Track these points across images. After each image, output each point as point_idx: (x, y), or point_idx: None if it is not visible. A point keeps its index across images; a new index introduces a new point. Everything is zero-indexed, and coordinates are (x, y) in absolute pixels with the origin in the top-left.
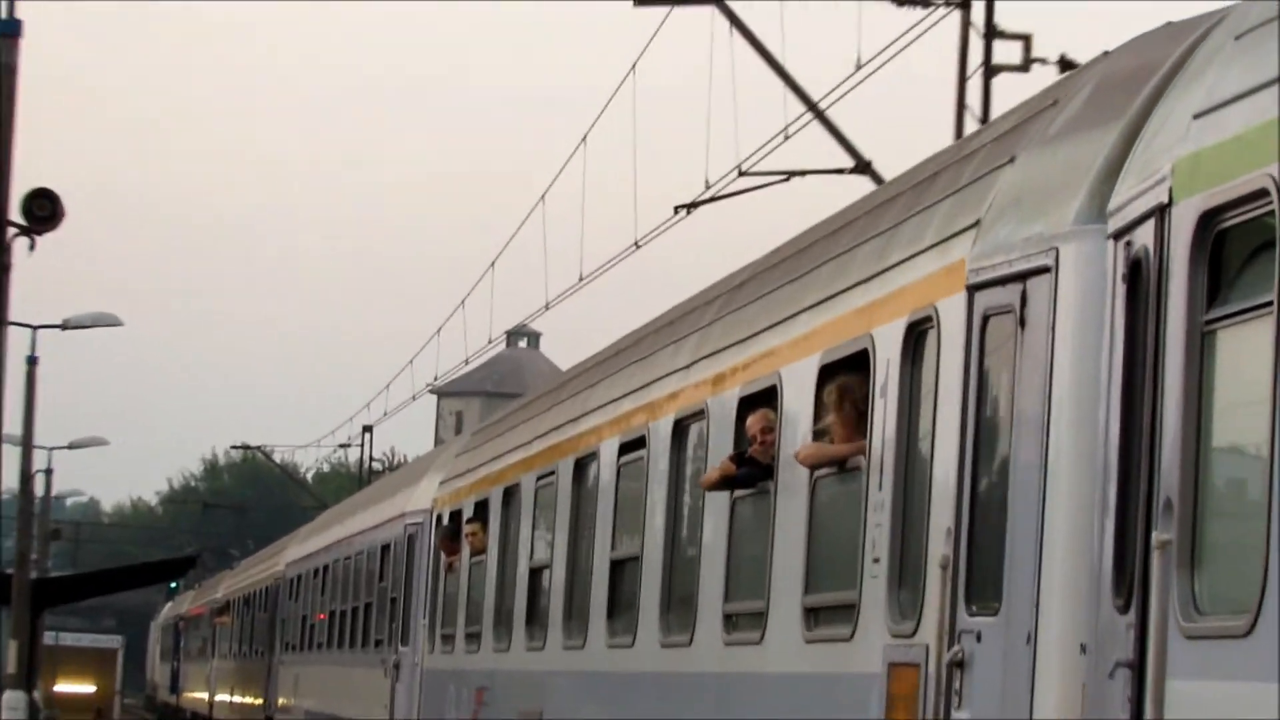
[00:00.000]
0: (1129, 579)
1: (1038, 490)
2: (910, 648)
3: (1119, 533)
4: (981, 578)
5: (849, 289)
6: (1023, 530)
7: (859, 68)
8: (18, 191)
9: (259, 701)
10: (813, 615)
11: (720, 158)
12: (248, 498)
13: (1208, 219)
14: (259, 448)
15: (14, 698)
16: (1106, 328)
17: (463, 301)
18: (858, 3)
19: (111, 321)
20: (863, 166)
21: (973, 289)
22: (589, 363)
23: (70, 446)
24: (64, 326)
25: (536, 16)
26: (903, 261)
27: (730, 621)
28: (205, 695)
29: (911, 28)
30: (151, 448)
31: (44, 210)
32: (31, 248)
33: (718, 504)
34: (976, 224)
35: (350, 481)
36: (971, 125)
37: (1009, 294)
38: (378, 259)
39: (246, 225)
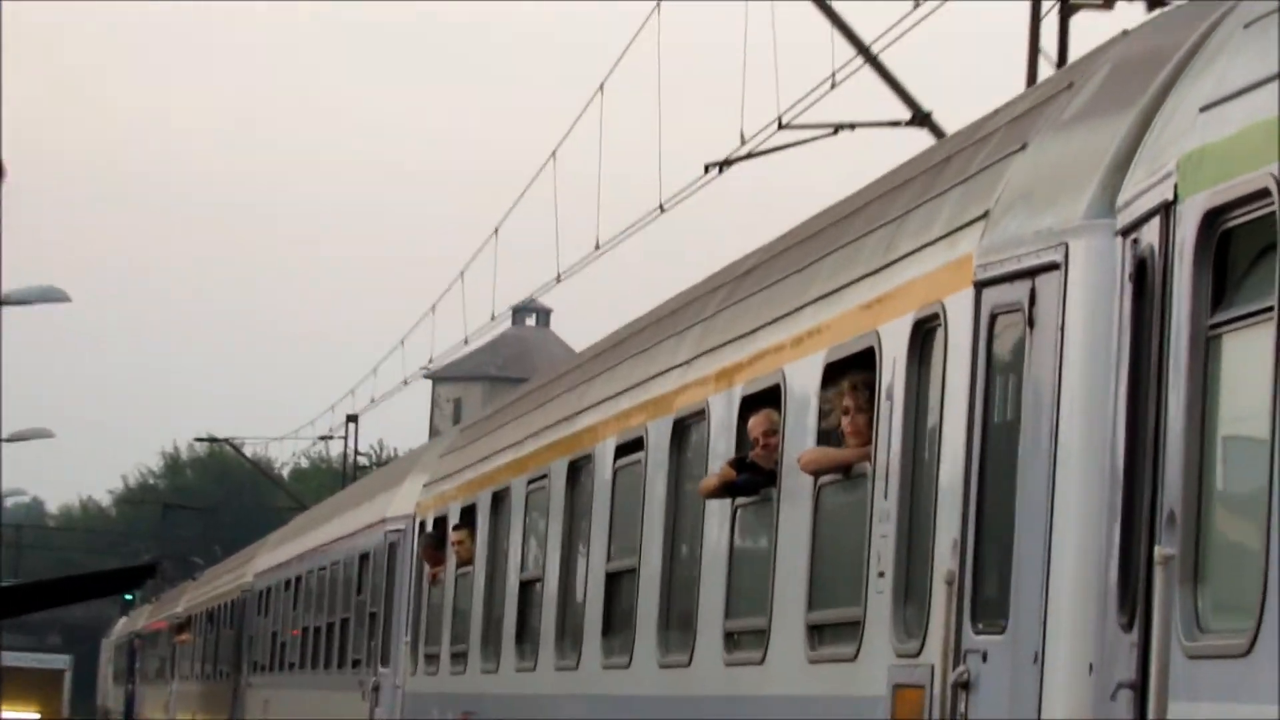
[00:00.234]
0: (1133, 595)
1: (1045, 502)
2: (915, 668)
3: (1124, 547)
4: (988, 594)
5: (855, 282)
6: (1030, 544)
7: (917, 5)
8: None
9: None
10: (816, 633)
11: (758, 109)
12: (214, 497)
13: (1212, 218)
14: (227, 440)
15: None
16: (1115, 332)
17: (461, 273)
18: None
19: (58, 297)
20: (921, 118)
21: (980, 285)
22: (596, 349)
23: (10, 439)
24: (4, 302)
25: None
26: (910, 254)
27: (731, 640)
28: None
29: None
30: (104, 441)
31: None
32: None
33: (718, 513)
34: (985, 215)
35: (332, 479)
36: (1046, 70)
37: (1017, 291)
38: (363, 224)
39: (211, 189)
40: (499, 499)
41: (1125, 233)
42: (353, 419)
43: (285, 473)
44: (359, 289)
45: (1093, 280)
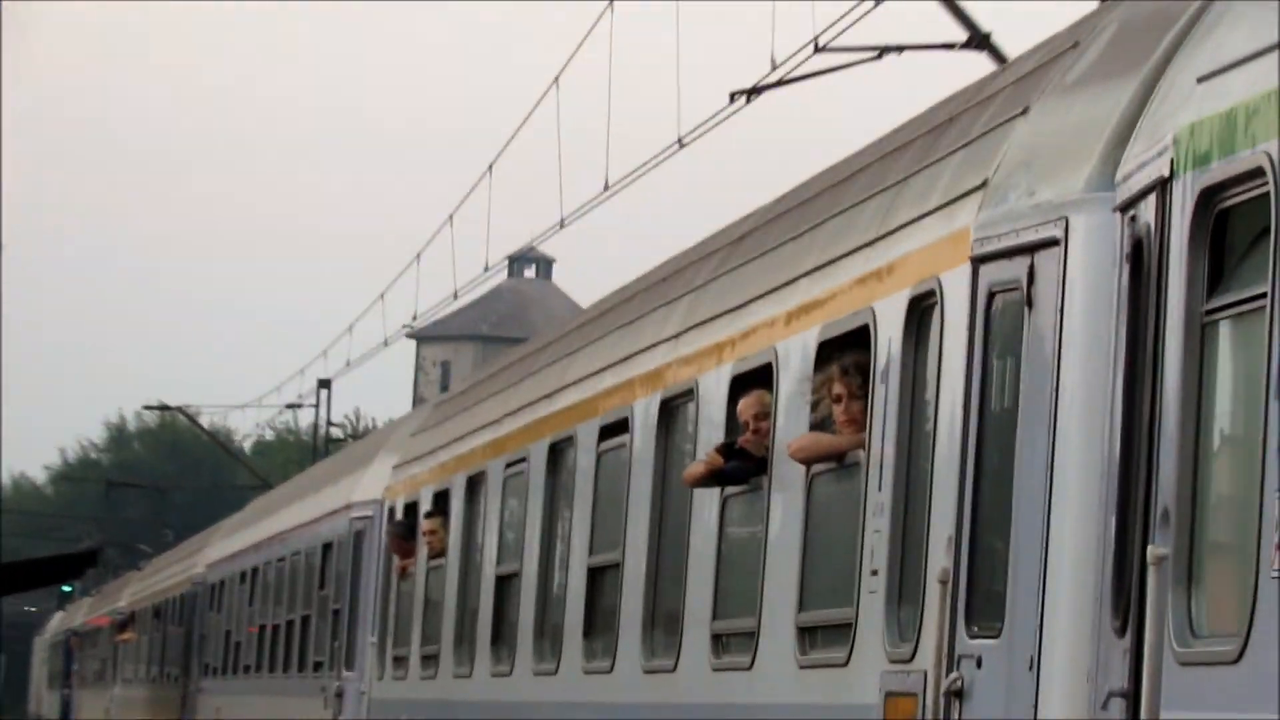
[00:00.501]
0: (1126, 598)
1: (1043, 497)
2: (908, 675)
3: (1119, 546)
4: (983, 594)
5: (851, 253)
6: (1026, 541)
7: None
8: None
9: None
10: (807, 636)
11: (791, 29)
12: (166, 474)
13: (1208, 196)
14: (180, 409)
15: None
16: (1113, 315)
17: (450, 217)
18: None
19: None
20: (979, 40)
21: (977, 261)
22: (587, 314)
23: None
24: None
25: None
26: (907, 224)
27: (719, 643)
28: None
29: None
30: (39, 410)
31: None
32: None
33: (706, 503)
34: (984, 184)
35: (301, 453)
36: None
37: (1016, 268)
38: (337, 160)
39: (162, 116)
40: (474, 483)
41: (1124, 209)
42: (325, 384)
43: (247, 446)
44: (333, 235)
45: (1093, 259)
